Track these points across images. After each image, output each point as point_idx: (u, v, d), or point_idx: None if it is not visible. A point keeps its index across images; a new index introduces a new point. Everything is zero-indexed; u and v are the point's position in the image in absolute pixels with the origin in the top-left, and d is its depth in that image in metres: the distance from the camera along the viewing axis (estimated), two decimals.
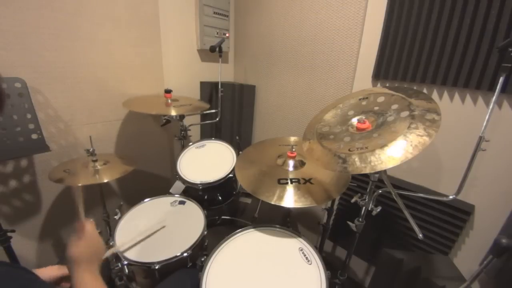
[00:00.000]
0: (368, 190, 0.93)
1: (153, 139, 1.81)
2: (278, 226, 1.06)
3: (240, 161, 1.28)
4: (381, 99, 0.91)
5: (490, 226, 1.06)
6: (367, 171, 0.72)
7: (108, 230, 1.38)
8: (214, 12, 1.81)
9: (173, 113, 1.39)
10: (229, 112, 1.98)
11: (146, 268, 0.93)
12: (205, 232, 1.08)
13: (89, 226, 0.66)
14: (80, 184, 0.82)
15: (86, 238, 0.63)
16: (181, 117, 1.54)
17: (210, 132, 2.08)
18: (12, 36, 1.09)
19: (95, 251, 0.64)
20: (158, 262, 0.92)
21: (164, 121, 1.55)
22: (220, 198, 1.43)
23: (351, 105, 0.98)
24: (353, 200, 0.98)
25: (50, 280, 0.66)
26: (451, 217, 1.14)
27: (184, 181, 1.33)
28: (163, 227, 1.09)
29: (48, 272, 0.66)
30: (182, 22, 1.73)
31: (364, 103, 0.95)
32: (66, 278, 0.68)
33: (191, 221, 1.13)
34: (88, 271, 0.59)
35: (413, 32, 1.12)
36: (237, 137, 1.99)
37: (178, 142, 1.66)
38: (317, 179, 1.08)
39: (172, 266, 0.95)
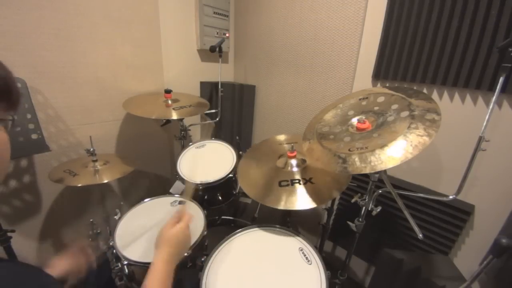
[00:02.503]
0: (368, 190, 0.93)
1: (153, 139, 1.81)
2: (278, 226, 1.06)
3: (242, 165, 1.28)
4: (381, 99, 0.91)
5: (490, 226, 1.06)
6: (367, 171, 0.72)
7: (108, 230, 1.38)
8: (214, 12, 1.81)
9: (174, 116, 1.39)
10: (229, 112, 1.98)
11: (146, 268, 0.92)
12: (205, 232, 1.08)
13: (190, 220, 0.72)
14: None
15: (184, 225, 0.70)
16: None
17: (210, 132, 2.08)
18: (12, 36, 1.09)
19: (184, 242, 0.70)
20: None
21: (164, 121, 1.55)
22: (220, 198, 1.43)
23: (351, 105, 0.98)
24: (353, 200, 0.98)
25: (63, 273, 0.67)
26: (451, 217, 1.14)
27: (184, 181, 1.33)
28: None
29: (58, 266, 0.67)
30: (182, 22, 1.73)
31: (364, 103, 0.95)
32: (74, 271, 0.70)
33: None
34: (165, 256, 0.63)
35: (413, 32, 1.12)
36: (237, 137, 1.99)
37: (178, 142, 1.66)
38: (318, 178, 1.08)
39: None
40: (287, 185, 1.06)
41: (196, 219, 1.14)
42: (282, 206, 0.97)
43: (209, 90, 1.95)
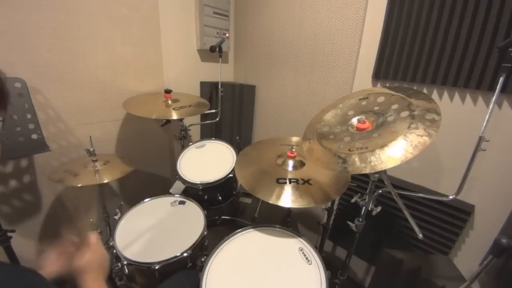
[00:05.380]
0: (368, 190, 0.93)
1: (153, 139, 1.81)
2: (278, 226, 1.06)
3: (240, 159, 1.28)
4: (381, 99, 0.91)
5: (490, 226, 1.06)
6: (367, 171, 0.72)
7: (108, 230, 1.38)
8: (214, 12, 1.81)
9: (174, 116, 1.39)
10: (229, 112, 1.98)
11: (146, 268, 0.93)
12: (205, 232, 1.08)
13: (93, 238, 0.69)
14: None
15: (91, 250, 0.66)
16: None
17: (210, 132, 2.08)
18: (12, 36, 1.09)
19: (101, 261, 0.67)
20: (158, 262, 0.92)
21: (164, 121, 1.55)
22: (220, 198, 1.43)
23: (351, 105, 0.98)
24: (353, 200, 0.98)
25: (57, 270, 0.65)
26: (451, 217, 1.14)
27: (184, 181, 1.33)
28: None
29: (50, 266, 0.66)
30: (182, 22, 1.73)
31: (364, 103, 0.95)
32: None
33: (191, 221, 1.13)
34: (95, 279, 0.62)
35: (413, 32, 1.12)
36: (237, 137, 1.99)
37: (178, 142, 1.66)
38: (317, 180, 1.08)
39: (172, 266, 0.95)
40: (284, 182, 1.06)
41: (196, 219, 1.14)
42: (273, 200, 0.98)
43: (209, 90, 1.95)
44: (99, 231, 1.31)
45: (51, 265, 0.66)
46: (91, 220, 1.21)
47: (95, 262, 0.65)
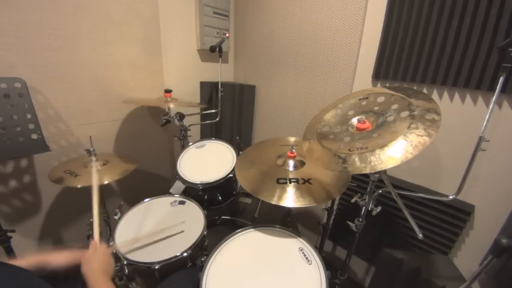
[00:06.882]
0: (368, 190, 0.93)
1: (153, 139, 1.81)
2: (278, 226, 1.06)
3: (240, 161, 1.28)
4: (381, 99, 0.91)
5: (490, 226, 1.06)
6: (367, 171, 0.72)
7: (108, 230, 1.38)
8: (214, 12, 1.81)
9: (172, 106, 1.37)
10: (229, 112, 1.98)
11: (146, 268, 0.93)
12: (205, 232, 1.08)
13: (103, 246, 0.76)
14: (95, 207, 0.91)
15: (99, 255, 0.73)
16: (181, 117, 1.54)
17: (210, 132, 2.08)
18: (12, 36, 1.09)
19: (107, 267, 0.72)
20: (158, 262, 0.92)
21: (164, 121, 1.55)
22: (220, 198, 1.43)
23: (351, 105, 0.98)
24: (353, 200, 0.98)
25: (63, 265, 0.69)
26: (451, 217, 1.14)
27: (184, 181, 1.33)
28: (182, 231, 1.08)
29: (60, 258, 0.70)
30: (182, 22, 1.73)
31: (364, 103, 0.95)
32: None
33: (191, 221, 1.13)
34: (104, 281, 0.67)
35: (413, 32, 1.12)
36: (237, 137, 1.99)
37: (178, 142, 1.66)
38: (317, 179, 1.08)
39: (172, 266, 0.95)
40: (285, 182, 1.06)
41: (196, 219, 1.14)
42: (275, 201, 0.98)
43: (209, 90, 1.95)
44: (99, 231, 1.32)
45: (60, 257, 0.70)
46: (91, 220, 1.21)
47: (102, 266, 0.69)
